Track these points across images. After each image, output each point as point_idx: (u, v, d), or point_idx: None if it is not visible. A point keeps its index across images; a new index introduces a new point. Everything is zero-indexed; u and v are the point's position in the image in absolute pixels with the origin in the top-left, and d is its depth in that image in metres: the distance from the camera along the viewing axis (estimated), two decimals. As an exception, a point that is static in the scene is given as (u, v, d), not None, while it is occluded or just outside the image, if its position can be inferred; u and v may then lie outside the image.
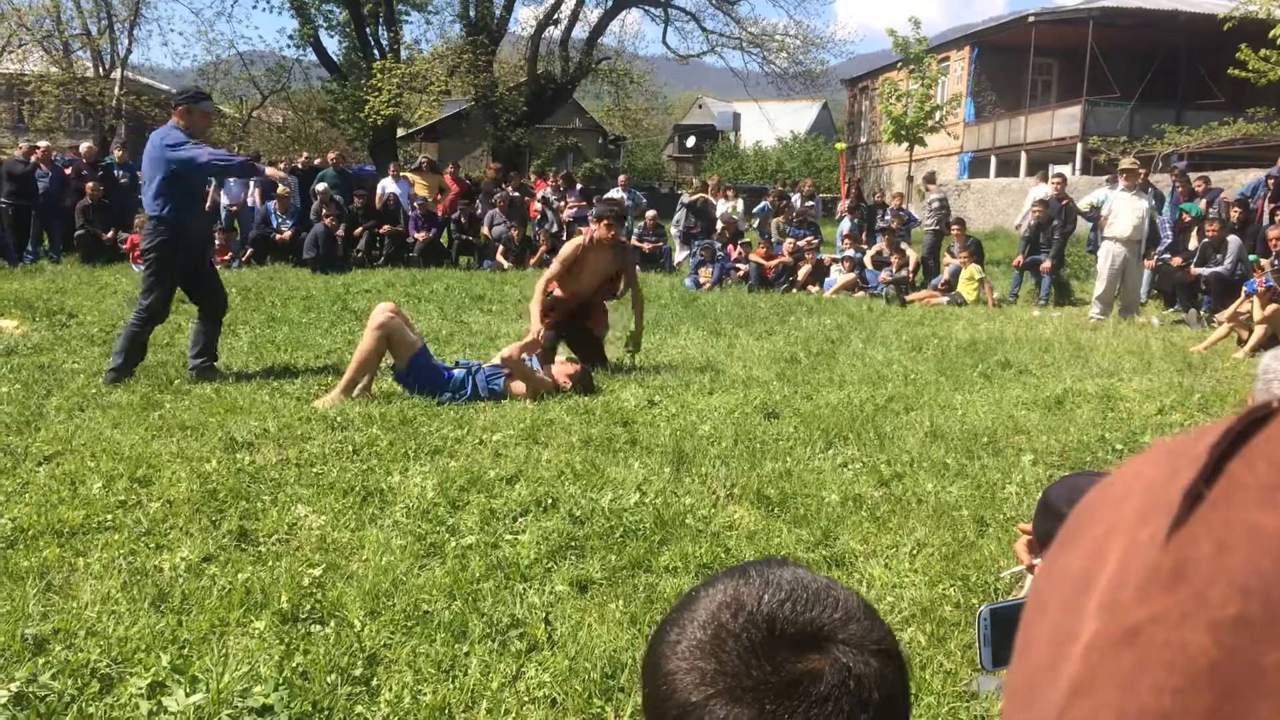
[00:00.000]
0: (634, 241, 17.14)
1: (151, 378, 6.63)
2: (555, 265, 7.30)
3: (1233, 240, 11.63)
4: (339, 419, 5.60)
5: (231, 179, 15.23)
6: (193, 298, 7.08)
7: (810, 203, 18.15)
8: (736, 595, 0.77)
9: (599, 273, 7.41)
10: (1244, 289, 9.75)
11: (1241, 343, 9.25)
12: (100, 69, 33.41)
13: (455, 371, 6.38)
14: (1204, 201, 13.45)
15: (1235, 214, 12.52)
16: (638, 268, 8.94)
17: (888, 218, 16.49)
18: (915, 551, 3.82)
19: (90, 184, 15.15)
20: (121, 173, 16.34)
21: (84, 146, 17.17)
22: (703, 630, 0.76)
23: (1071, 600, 0.38)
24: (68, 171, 15.91)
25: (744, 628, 0.74)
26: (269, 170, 7.71)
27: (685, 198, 18.43)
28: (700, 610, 0.77)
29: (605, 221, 7.31)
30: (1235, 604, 0.29)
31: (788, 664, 0.73)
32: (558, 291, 7.34)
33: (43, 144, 15.70)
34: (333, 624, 3.14)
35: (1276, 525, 0.29)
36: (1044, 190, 15.49)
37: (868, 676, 0.74)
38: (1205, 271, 11.59)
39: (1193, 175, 14.35)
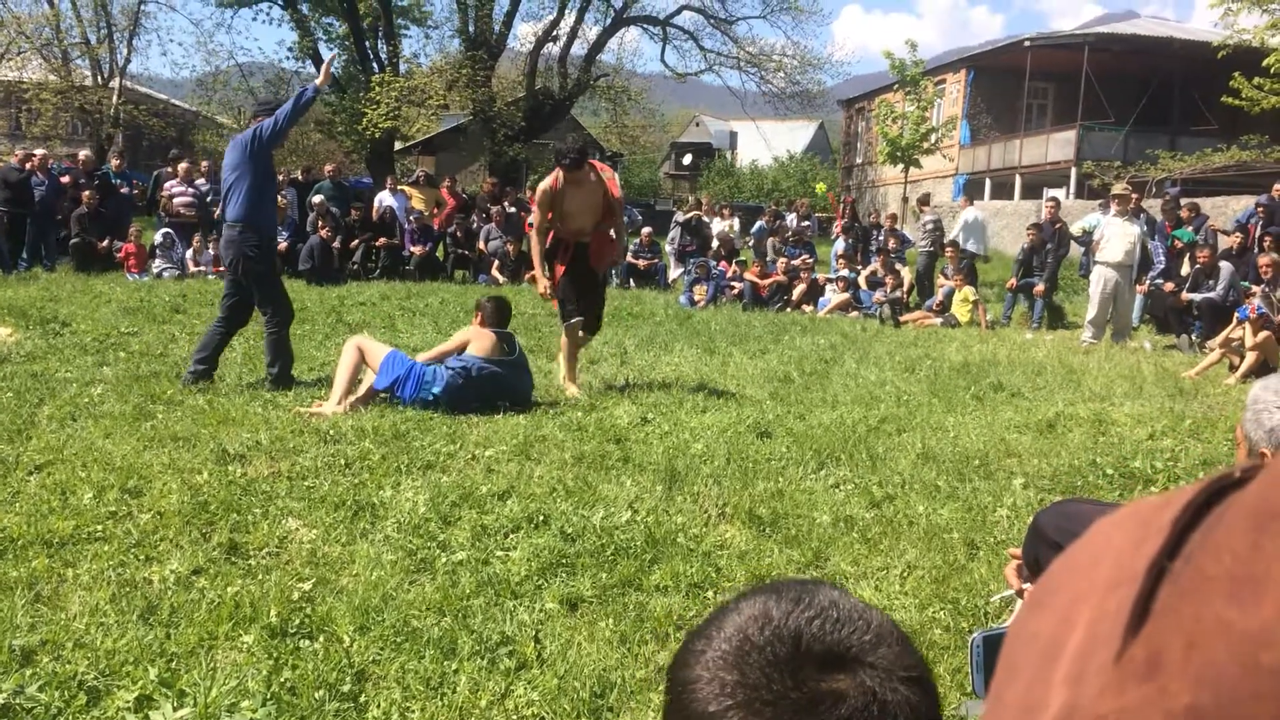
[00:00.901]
0: (629, 259, 17.21)
1: (144, 388, 6.62)
2: (536, 215, 7.15)
3: (1224, 266, 11.69)
4: (331, 432, 5.60)
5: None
6: (229, 299, 7.08)
7: (806, 223, 18.22)
8: (765, 610, 0.76)
9: (591, 206, 7.04)
10: (1236, 315, 9.79)
11: (1233, 369, 9.28)
12: (99, 78, 33.45)
13: (424, 366, 6.49)
14: (1193, 228, 13.53)
15: (1234, 240, 12.59)
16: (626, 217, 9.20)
17: (882, 238, 16.58)
18: (906, 574, 3.83)
19: (86, 192, 15.14)
20: (119, 181, 16.35)
21: (81, 155, 17.18)
22: (728, 642, 0.75)
23: (1040, 668, 0.39)
24: (64, 179, 15.91)
25: (769, 641, 0.73)
26: (319, 81, 7.83)
27: (679, 216, 18.48)
28: (729, 623, 0.76)
29: (562, 167, 6.85)
30: (1189, 694, 0.30)
31: (811, 681, 0.71)
32: (562, 232, 7.13)
33: (39, 152, 15.71)
34: (322, 639, 3.13)
35: (1244, 623, 0.30)
36: (973, 213, 15.83)
37: (894, 703, 0.72)
38: (1197, 297, 11.65)
39: (1182, 202, 14.43)
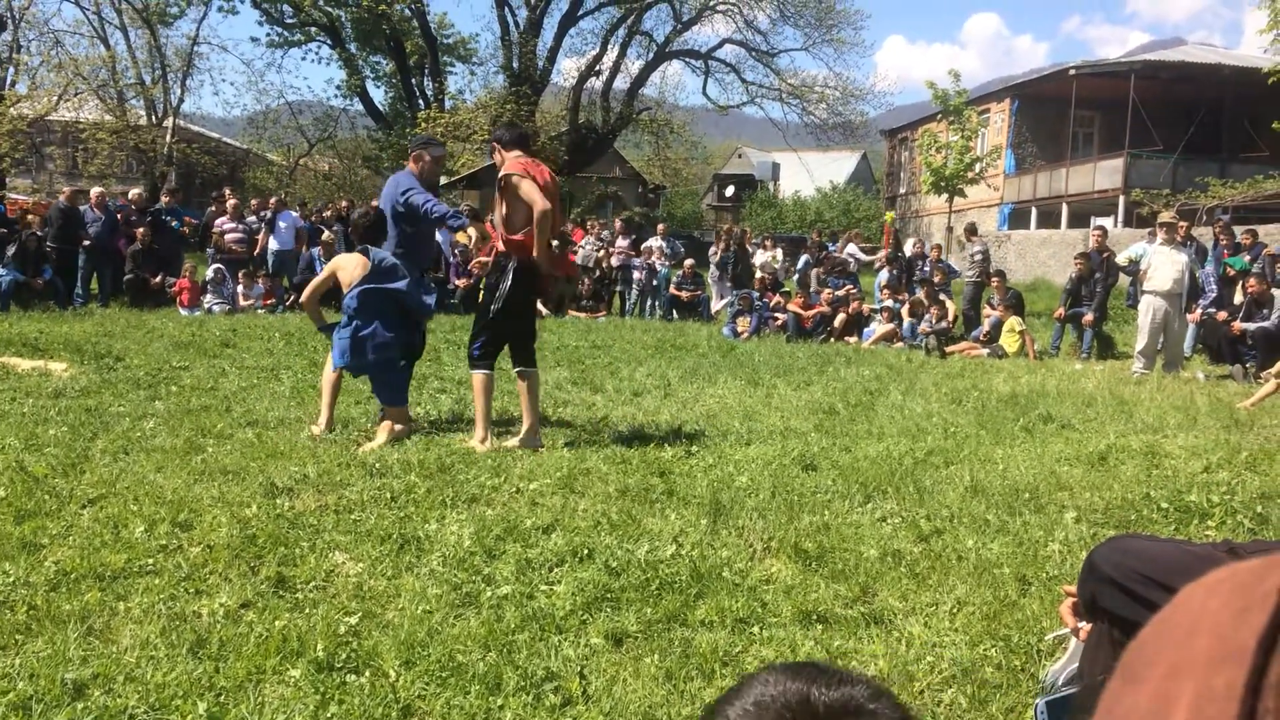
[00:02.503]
0: (672, 290, 17.25)
1: (195, 422, 6.72)
2: (539, 201, 6.09)
3: (1279, 294, 11.48)
4: (378, 465, 5.63)
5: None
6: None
7: (864, 256, 18.15)
8: (775, 679, 0.84)
9: (553, 193, 6.33)
10: (1292, 344, 9.60)
11: (1290, 399, 9.08)
12: (153, 117, 34.28)
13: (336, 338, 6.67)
14: (1248, 256, 13.31)
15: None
16: None
17: (927, 269, 16.46)
18: (956, 610, 3.76)
19: (140, 229, 15.47)
20: (170, 218, 16.69)
21: (133, 193, 17.57)
22: (744, 708, 0.83)
23: None
24: (119, 216, 16.29)
25: (783, 698, 0.81)
26: (469, 228, 7.50)
27: (715, 254, 18.48)
28: (743, 694, 0.84)
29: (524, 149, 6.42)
30: None
31: None
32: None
33: (96, 190, 16.09)
34: (368, 674, 3.13)
35: None
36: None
37: None
38: (1251, 326, 11.43)
39: (1240, 229, 14.21)
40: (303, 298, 6.87)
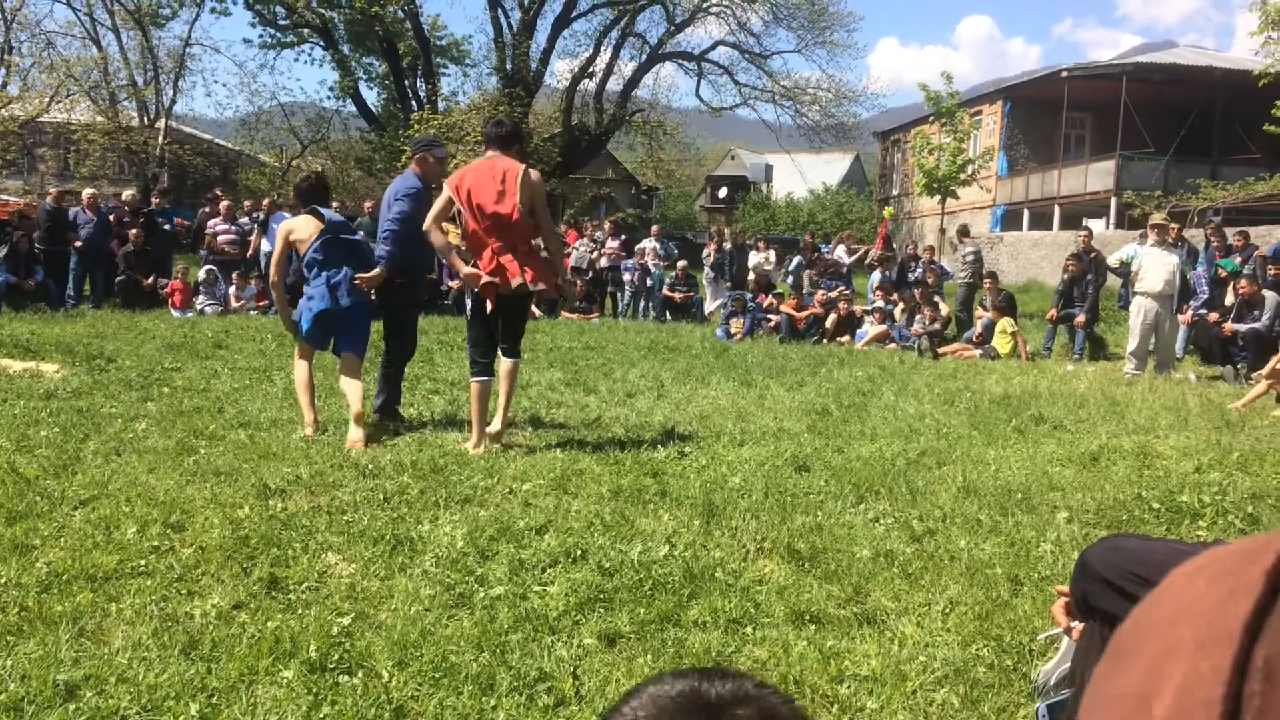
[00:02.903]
0: (665, 291, 17.26)
1: (187, 423, 6.71)
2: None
3: (1270, 296, 11.52)
4: (370, 466, 5.63)
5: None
6: (388, 340, 7.23)
7: (855, 256, 18.15)
8: (669, 679, 0.88)
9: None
10: (1282, 345, 9.63)
11: (1280, 400, 9.12)
12: (145, 118, 34.18)
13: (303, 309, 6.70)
14: (1239, 258, 13.35)
15: (1275, 270, 12.41)
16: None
17: (919, 270, 16.49)
18: (948, 610, 3.77)
19: (133, 231, 15.43)
20: (161, 219, 16.65)
21: (126, 194, 17.53)
22: (643, 707, 0.86)
23: None
24: (111, 218, 16.26)
25: (677, 693, 0.86)
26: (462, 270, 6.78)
27: (710, 255, 18.48)
28: (638, 694, 0.88)
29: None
30: None
31: (721, 712, 0.84)
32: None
33: (88, 191, 16.06)
34: (360, 674, 3.13)
35: None
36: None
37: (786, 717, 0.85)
38: (1242, 328, 11.47)
39: (1232, 230, 14.25)
40: (271, 276, 6.86)
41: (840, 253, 17.89)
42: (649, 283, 17.57)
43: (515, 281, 6.11)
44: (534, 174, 6.22)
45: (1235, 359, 11.48)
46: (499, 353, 6.41)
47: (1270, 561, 0.35)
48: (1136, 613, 0.42)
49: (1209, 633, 0.35)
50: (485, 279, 6.14)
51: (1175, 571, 0.41)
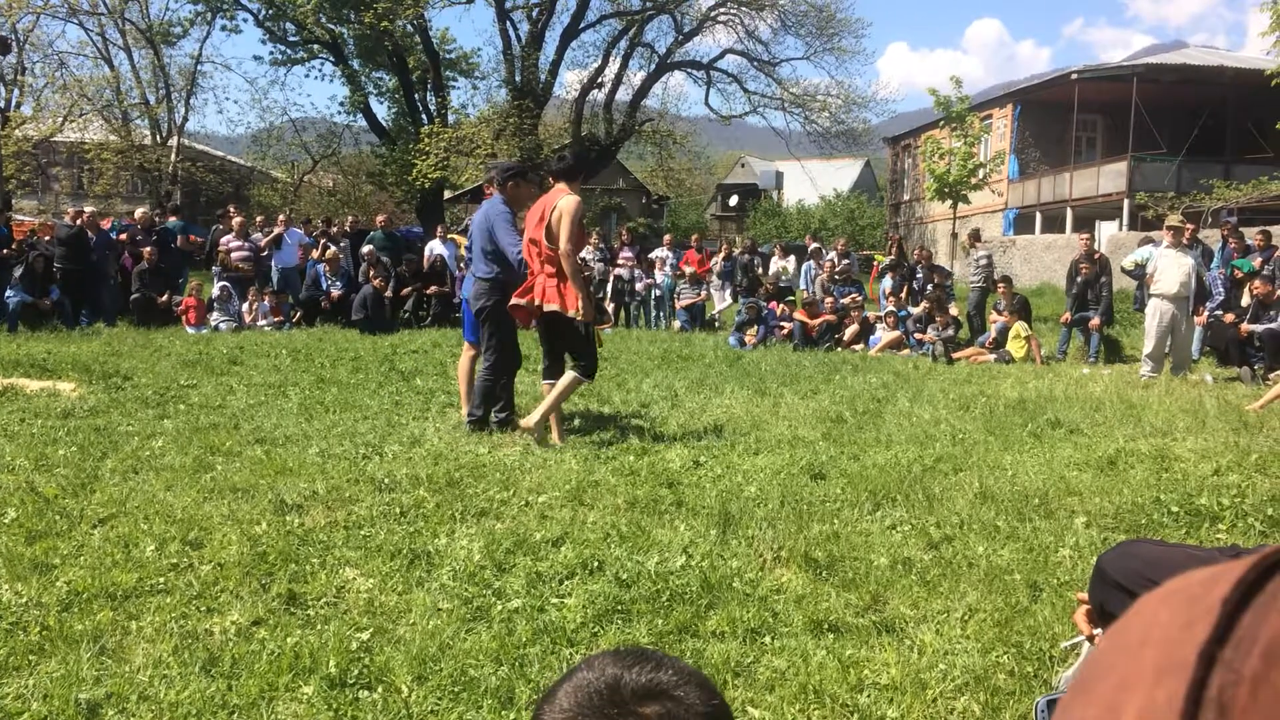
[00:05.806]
0: (678, 305, 17.29)
1: (204, 440, 6.73)
2: (574, 238, 6.64)
3: (1286, 296, 11.46)
4: (387, 480, 5.64)
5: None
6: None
7: (846, 260, 18.12)
8: (599, 664, 0.96)
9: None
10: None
11: (1299, 400, 9.05)
12: (158, 136, 34.40)
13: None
14: (1260, 258, 13.25)
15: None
16: None
17: (920, 277, 16.50)
18: (967, 617, 3.76)
19: (147, 249, 15.52)
20: (176, 237, 16.74)
21: (139, 212, 17.64)
22: (567, 695, 0.94)
23: None
24: (122, 236, 16.33)
25: (597, 681, 0.93)
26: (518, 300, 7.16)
27: (717, 264, 18.53)
28: (572, 677, 0.96)
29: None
30: None
31: (627, 706, 0.92)
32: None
33: (89, 209, 16.15)
34: (380, 689, 3.14)
35: None
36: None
37: None
38: (1259, 328, 11.41)
39: (1252, 230, 14.16)
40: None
41: (831, 256, 17.94)
42: (660, 293, 17.64)
43: (538, 304, 6.83)
44: (564, 201, 6.66)
45: (1252, 360, 11.42)
46: (549, 376, 7.17)
47: (1225, 590, 0.35)
48: (1103, 641, 0.42)
49: (1167, 660, 0.35)
50: (512, 301, 6.88)
51: (1142, 598, 0.40)
